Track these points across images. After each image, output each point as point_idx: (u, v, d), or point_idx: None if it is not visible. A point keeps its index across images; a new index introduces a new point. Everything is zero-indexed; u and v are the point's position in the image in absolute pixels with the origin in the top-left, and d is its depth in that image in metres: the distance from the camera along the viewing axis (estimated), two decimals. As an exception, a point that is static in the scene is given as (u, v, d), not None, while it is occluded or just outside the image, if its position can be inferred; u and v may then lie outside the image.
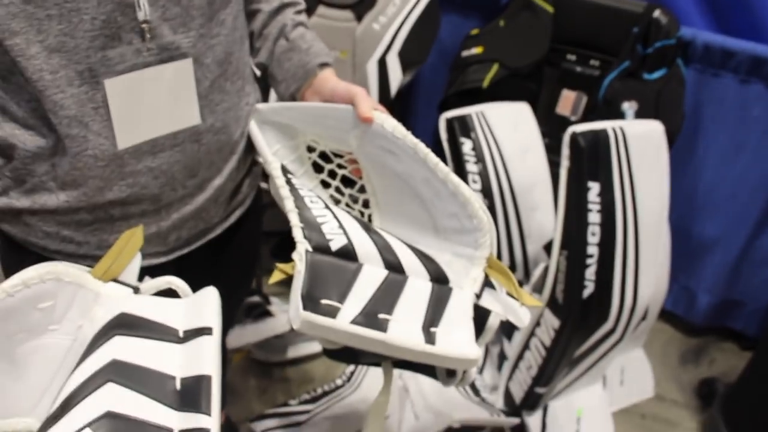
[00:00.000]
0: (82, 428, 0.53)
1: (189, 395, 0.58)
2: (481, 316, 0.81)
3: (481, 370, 1.74)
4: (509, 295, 0.82)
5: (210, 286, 0.71)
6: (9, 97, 0.75)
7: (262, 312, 1.80)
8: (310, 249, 0.78)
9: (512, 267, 1.73)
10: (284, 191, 0.86)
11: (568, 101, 1.78)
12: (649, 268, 1.47)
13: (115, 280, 0.72)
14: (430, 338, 0.72)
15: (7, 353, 0.68)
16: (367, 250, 0.82)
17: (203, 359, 0.61)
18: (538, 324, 1.50)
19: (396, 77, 1.71)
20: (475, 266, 0.82)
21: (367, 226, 0.85)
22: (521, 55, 1.72)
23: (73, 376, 0.59)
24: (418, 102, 2.10)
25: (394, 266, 0.82)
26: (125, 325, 0.64)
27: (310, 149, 0.96)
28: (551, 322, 1.45)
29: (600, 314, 1.45)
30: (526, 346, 1.55)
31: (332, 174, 0.96)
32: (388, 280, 0.81)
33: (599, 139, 1.35)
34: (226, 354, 1.45)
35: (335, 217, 0.84)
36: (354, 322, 0.72)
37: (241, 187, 1.01)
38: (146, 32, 0.75)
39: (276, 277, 0.77)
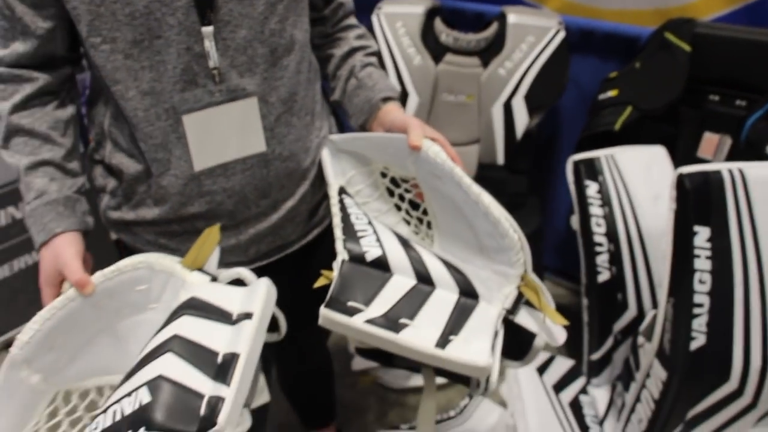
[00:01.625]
0: (142, 385, 0.67)
1: (223, 368, 0.69)
2: (527, 337, 0.84)
3: (602, 422, 1.67)
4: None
5: (266, 278, 0.82)
6: (119, 132, 0.96)
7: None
8: (347, 259, 0.89)
9: (641, 317, 1.64)
10: (335, 209, 0.98)
11: (710, 144, 1.67)
12: (783, 326, 1.33)
13: (200, 270, 0.86)
14: (443, 344, 0.77)
15: (112, 327, 0.86)
16: (399, 262, 0.90)
17: (240, 339, 0.72)
18: (648, 375, 1.42)
19: (522, 120, 1.75)
20: (509, 283, 0.86)
21: (405, 242, 0.93)
22: (654, 97, 1.66)
23: (150, 343, 0.74)
24: (561, 145, 2.09)
25: (424, 278, 0.89)
26: (193, 306, 0.78)
27: (384, 175, 1.05)
28: (659, 373, 1.37)
29: (719, 371, 1.33)
30: (637, 398, 1.47)
31: (402, 198, 1.04)
32: (416, 289, 0.88)
33: (711, 182, 1.27)
34: (329, 360, 1.56)
35: (375, 232, 0.94)
36: (370, 322, 0.80)
37: (318, 210, 1.12)
38: (216, 77, 0.91)
39: (321, 282, 0.89)
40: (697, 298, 1.29)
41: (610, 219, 1.65)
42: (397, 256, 0.90)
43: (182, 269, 0.85)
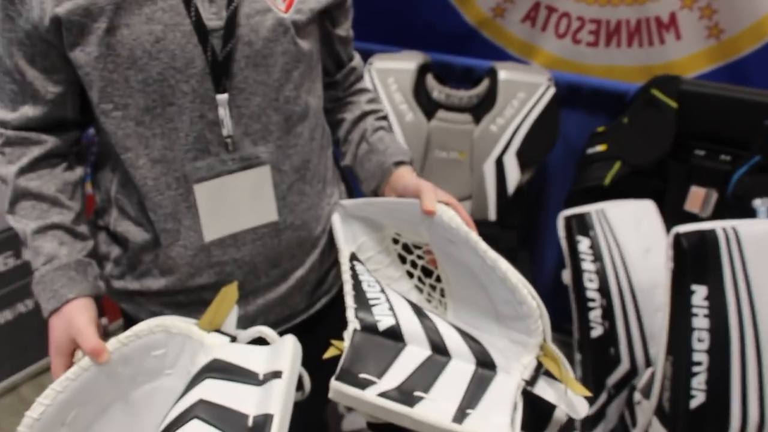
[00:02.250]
0: None
1: (256, 431, 0.66)
2: (547, 408, 0.82)
3: (598, 479, 1.66)
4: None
5: (290, 335, 0.80)
6: (127, 200, 0.94)
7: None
8: (359, 328, 0.87)
9: (633, 371, 1.64)
10: (346, 276, 0.95)
11: (697, 198, 1.70)
12: (778, 382, 1.34)
13: (218, 331, 0.83)
14: (460, 418, 0.74)
15: (127, 396, 0.82)
16: (413, 332, 0.87)
17: (272, 400, 0.69)
18: (647, 433, 1.42)
19: (513, 176, 1.77)
20: (528, 353, 0.84)
21: (419, 311, 0.91)
22: (643, 153, 1.70)
23: (172, 411, 0.71)
24: (549, 199, 2.12)
25: (439, 348, 0.87)
26: (216, 369, 0.75)
27: (395, 241, 1.03)
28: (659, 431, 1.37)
29: (718, 428, 1.34)
30: (637, 456, 1.46)
31: (414, 265, 1.03)
32: (430, 360, 0.85)
33: (706, 241, 1.29)
34: (326, 429, 1.52)
35: (387, 300, 0.91)
36: (383, 395, 0.77)
37: (327, 278, 1.10)
38: (230, 145, 0.89)
39: (331, 352, 0.87)
40: (696, 357, 1.30)
41: (602, 274, 1.66)
42: (410, 326, 0.89)
43: (199, 331, 0.82)
